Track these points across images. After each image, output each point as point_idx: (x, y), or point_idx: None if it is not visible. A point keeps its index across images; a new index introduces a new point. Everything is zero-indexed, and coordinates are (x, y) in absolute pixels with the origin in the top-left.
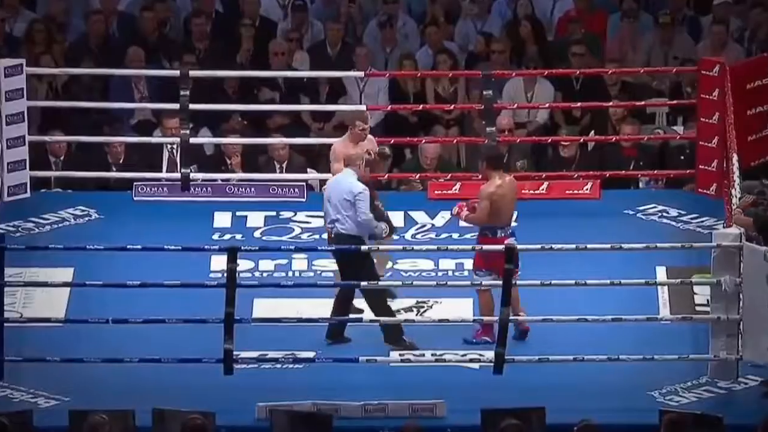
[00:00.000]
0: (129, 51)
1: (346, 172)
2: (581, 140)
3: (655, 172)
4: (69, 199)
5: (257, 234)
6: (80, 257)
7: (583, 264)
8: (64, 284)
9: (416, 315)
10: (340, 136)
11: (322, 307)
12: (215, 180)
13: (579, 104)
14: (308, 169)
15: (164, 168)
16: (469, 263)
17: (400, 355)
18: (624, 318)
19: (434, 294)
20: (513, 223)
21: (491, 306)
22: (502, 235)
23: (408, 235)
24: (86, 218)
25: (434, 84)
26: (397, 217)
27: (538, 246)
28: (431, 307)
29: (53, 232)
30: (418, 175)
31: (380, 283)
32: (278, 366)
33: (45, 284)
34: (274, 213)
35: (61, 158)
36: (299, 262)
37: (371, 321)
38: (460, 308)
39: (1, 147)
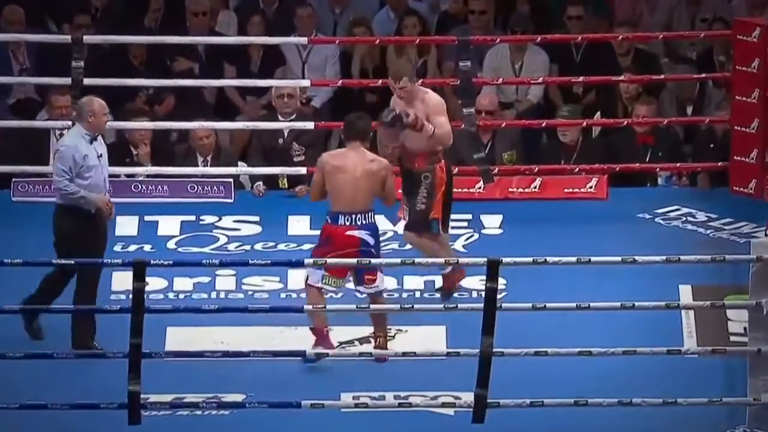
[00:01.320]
0: (4, 10)
1: None
2: (584, 124)
3: (678, 165)
4: None
5: (171, 245)
6: None
7: (586, 282)
8: None
9: (375, 346)
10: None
11: (254, 338)
12: (117, 176)
13: (581, 78)
14: (239, 162)
15: (51, 160)
16: (441, 280)
17: (354, 398)
18: (638, 350)
19: (398, 320)
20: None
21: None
22: (346, 224)
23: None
24: None
25: (397, 54)
26: None
27: (529, 259)
28: (394, 336)
29: None
30: None
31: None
32: (198, 413)
33: None
34: (193, 218)
35: None
36: (225, 281)
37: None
38: (430, 338)
39: None
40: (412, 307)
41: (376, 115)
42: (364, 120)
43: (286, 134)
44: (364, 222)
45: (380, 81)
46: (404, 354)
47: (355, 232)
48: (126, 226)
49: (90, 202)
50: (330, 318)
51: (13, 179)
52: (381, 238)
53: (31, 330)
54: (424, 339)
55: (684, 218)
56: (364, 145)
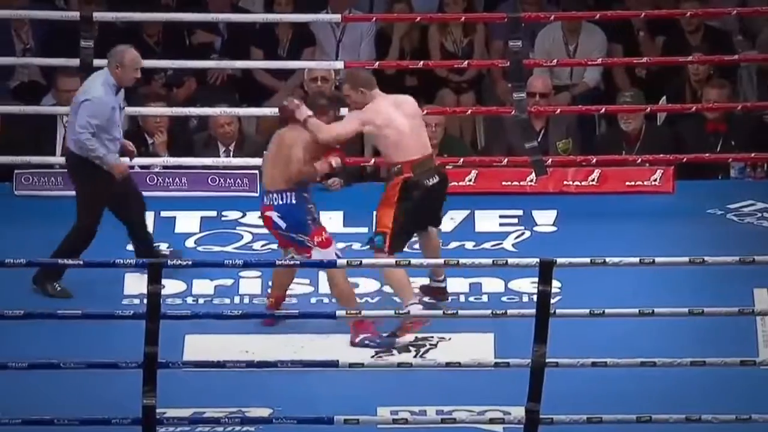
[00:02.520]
0: None
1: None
2: (647, 110)
3: (753, 155)
4: None
5: (190, 243)
6: None
7: (649, 284)
8: None
9: (415, 356)
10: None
11: (282, 347)
12: (131, 167)
13: (645, 59)
14: (264, 153)
15: (58, 150)
16: (489, 282)
17: (392, 413)
18: (708, 361)
19: (440, 327)
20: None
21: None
22: (265, 202)
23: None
24: None
25: (440, 33)
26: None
27: (586, 259)
28: (436, 345)
29: None
30: None
31: None
32: (219, 429)
33: None
34: (214, 213)
35: None
36: (249, 283)
37: None
38: (476, 347)
39: None
40: (456, 312)
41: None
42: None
43: None
44: (275, 202)
45: (421, 63)
46: (448, 364)
47: (268, 213)
48: None
49: (107, 165)
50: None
51: (16, 171)
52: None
53: (57, 293)
54: (469, 348)
55: (759, 214)
56: (293, 124)
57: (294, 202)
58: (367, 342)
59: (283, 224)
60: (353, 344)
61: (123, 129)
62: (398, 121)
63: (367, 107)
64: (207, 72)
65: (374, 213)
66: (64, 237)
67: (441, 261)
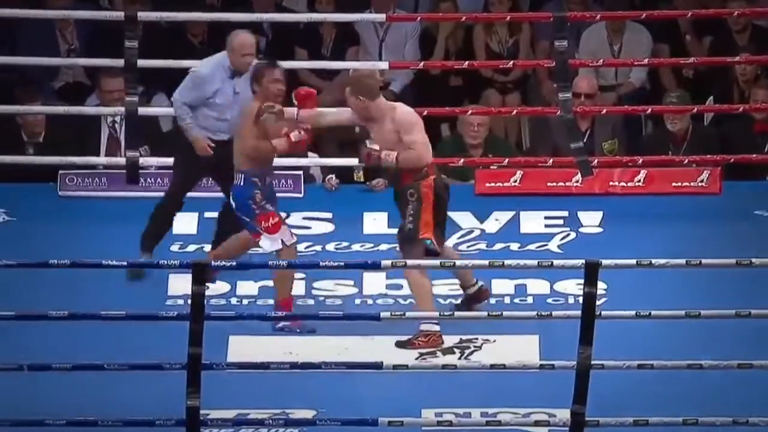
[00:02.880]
0: None
1: None
2: (694, 110)
3: None
4: None
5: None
6: None
7: (695, 286)
8: None
9: (459, 358)
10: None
11: (326, 348)
12: None
13: (691, 59)
14: (308, 153)
15: (102, 150)
16: (534, 284)
17: (436, 415)
18: (755, 364)
19: (485, 329)
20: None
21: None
22: None
23: (447, 246)
24: None
25: (485, 33)
26: None
27: (632, 261)
28: (480, 347)
29: None
30: (462, 160)
31: None
32: (263, 430)
33: None
34: None
35: None
36: (294, 284)
37: None
38: (521, 348)
39: None
40: (501, 314)
41: (461, 101)
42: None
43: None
44: (234, 182)
45: (466, 63)
46: (492, 366)
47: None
48: (185, 223)
49: (191, 136)
50: (410, 327)
51: (60, 171)
52: (468, 236)
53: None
54: (514, 349)
55: None
56: (255, 96)
57: (242, 184)
58: (285, 330)
59: (233, 204)
60: (273, 328)
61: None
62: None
63: (407, 112)
64: None
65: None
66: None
67: (486, 263)
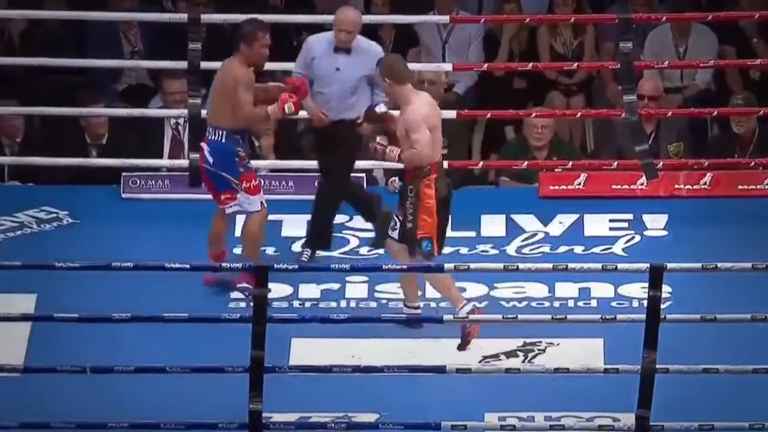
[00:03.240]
0: None
1: None
2: (760, 113)
3: None
4: (30, 196)
5: (297, 247)
6: (46, 279)
7: (762, 290)
8: (23, 317)
9: (523, 361)
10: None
11: (389, 351)
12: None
13: (758, 61)
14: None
15: (165, 152)
16: (598, 287)
17: (500, 419)
18: None
19: (549, 332)
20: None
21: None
22: (205, 136)
23: (511, 249)
24: (54, 224)
25: (550, 35)
26: (495, 223)
27: (697, 264)
28: (544, 350)
29: (7, 242)
30: (526, 163)
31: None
32: None
33: None
34: None
35: (18, 139)
36: (356, 288)
37: None
38: (585, 352)
39: None
40: (565, 317)
41: (525, 103)
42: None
43: None
44: (210, 137)
45: (530, 65)
46: (556, 370)
47: (203, 145)
48: None
49: (306, 108)
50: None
51: (123, 174)
52: (531, 239)
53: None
54: (578, 353)
55: None
56: (240, 55)
57: (222, 140)
58: (246, 293)
59: (210, 159)
60: (232, 284)
61: None
62: (434, 122)
63: (416, 111)
64: None
65: (395, 215)
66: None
67: (549, 266)
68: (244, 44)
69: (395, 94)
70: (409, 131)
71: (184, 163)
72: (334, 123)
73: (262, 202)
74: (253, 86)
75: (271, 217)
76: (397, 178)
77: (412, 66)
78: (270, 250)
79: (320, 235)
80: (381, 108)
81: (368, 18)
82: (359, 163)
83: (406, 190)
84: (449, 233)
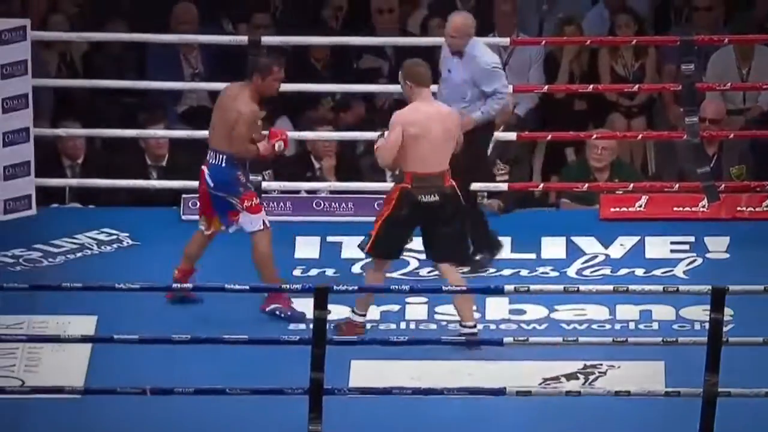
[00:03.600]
0: (176, 8)
1: None
2: None
3: None
4: (90, 218)
5: (357, 269)
6: (107, 301)
7: None
8: (84, 339)
9: (583, 384)
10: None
11: (449, 373)
12: (297, 191)
13: None
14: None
15: None
16: (660, 309)
17: None
18: None
19: (609, 354)
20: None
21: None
22: (205, 158)
23: (571, 271)
24: (115, 245)
25: (611, 57)
26: (556, 245)
27: (760, 287)
28: (605, 373)
29: (68, 264)
30: (586, 185)
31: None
32: None
33: (57, 339)
34: None
35: (79, 161)
36: (416, 309)
37: None
38: (646, 375)
39: None
40: (626, 340)
41: (585, 125)
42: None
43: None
44: (211, 161)
45: (590, 86)
46: (617, 393)
47: (204, 168)
48: (307, 247)
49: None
50: (533, 352)
51: (183, 195)
52: (592, 262)
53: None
54: (639, 376)
55: None
56: (251, 85)
57: (223, 164)
58: (277, 312)
59: (211, 183)
60: (262, 310)
61: (288, 155)
62: (433, 134)
63: (400, 113)
64: (375, 97)
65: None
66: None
67: (610, 288)
68: (258, 75)
69: (412, 96)
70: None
71: None
72: None
73: (264, 221)
74: (254, 124)
75: (330, 238)
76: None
77: None
78: (330, 272)
79: (488, 234)
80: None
81: (427, 40)
82: None
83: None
84: (509, 255)
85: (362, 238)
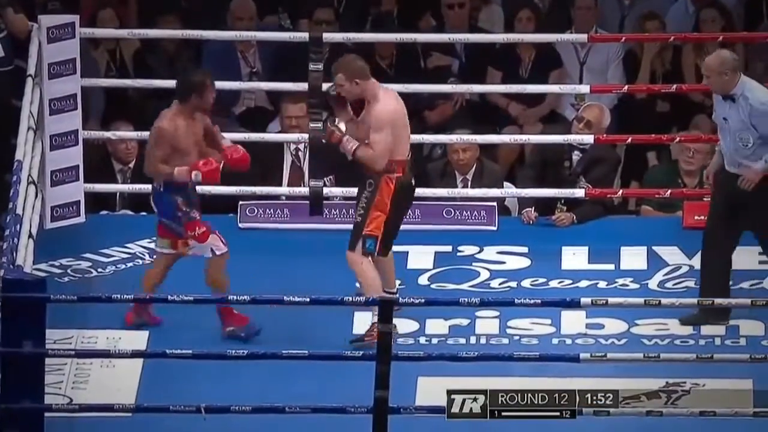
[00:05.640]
0: (233, 3)
1: None
2: None
3: None
4: (142, 225)
5: (424, 280)
6: (159, 313)
7: None
8: (135, 354)
9: (665, 403)
10: (550, 130)
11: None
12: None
13: None
14: (504, 183)
15: (285, 180)
16: (747, 324)
17: None
18: None
19: (693, 372)
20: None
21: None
22: None
23: (653, 283)
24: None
25: (695, 54)
26: (636, 255)
27: None
28: (688, 391)
29: (119, 274)
30: (669, 191)
31: None
32: None
33: (107, 354)
34: (449, 248)
35: (131, 165)
36: (486, 323)
37: None
38: (733, 394)
39: (41, 147)
40: (711, 357)
41: (668, 127)
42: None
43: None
44: (154, 185)
45: (674, 86)
46: (702, 413)
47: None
48: (421, 257)
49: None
50: (611, 369)
51: (240, 202)
52: (675, 273)
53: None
54: (725, 395)
55: None
56: (186, 105)
57: (161, 189)
58: (236, 333)
59: (156, 209)
60: (224, 334)
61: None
62: (403, 120)
63: (384, 110)
64: (449, 96)
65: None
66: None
67: (694, 301)
68: (196, 94)
69: (365, 92)
70: (372, 130)
71: (304, 191)
72: (729, 175)
73: (212, 249)
74: (166, 141)
75: (396, 248)
76: (532, 209)
77: (545, 88)
78: (396, 283)
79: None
80: (341, 125)
81: (503, 36)
82: (487, 192)
83: (365, 183)
84: (586, 266)
85: (361, 242)
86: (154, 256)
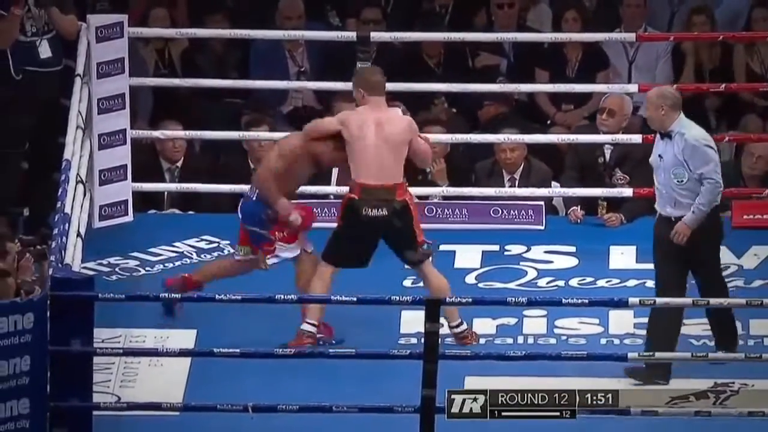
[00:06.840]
0: (281, 3)
1: None
2: None
3: None
4: (190, 224)
5: (471, 279)
6: (208, 313)
7: None
8: (183, 353)
9: (714, 404)
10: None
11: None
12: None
13: None
14: (552, 183)
15: (333, 179)
16: None
17: None
18: None
19: (742, 372)
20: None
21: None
22: None
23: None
24: (215, 254)
25: (746, 53)
26: None
27: None
28: (737, 392)
29: (166, 273)
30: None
31: None
32: None
33: (155, 353)
34: (496, 247)
35: (179, 164)
36: (534, 322)
37: None
38: None
39: (89, 146)
40: (760, 356)
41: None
42: None
43: (607, 154)
44: (247, 192)
45: (723, 85)
46: (750, 414)
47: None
48: (468, 257)
49: None
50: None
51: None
52: (724, 273)
53: None
54: None
55: None
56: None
57: (254, 199)
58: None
59: (240, 215)
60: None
61: None
62: (369, 140)
63: (351, 112)
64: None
65: None
66: None
67: (743, 301)
68: None
69: (360, 105)
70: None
71: None
72: (663, 219)
73: (303, 248)
74: (292, 153)
75: (443, 247)
76: (578, 208)
77: (592, 88)
78: None
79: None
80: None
81: (551, 36)
82: (534, 191)
83: None
84: (633, 265)
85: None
86: (236, 256)
